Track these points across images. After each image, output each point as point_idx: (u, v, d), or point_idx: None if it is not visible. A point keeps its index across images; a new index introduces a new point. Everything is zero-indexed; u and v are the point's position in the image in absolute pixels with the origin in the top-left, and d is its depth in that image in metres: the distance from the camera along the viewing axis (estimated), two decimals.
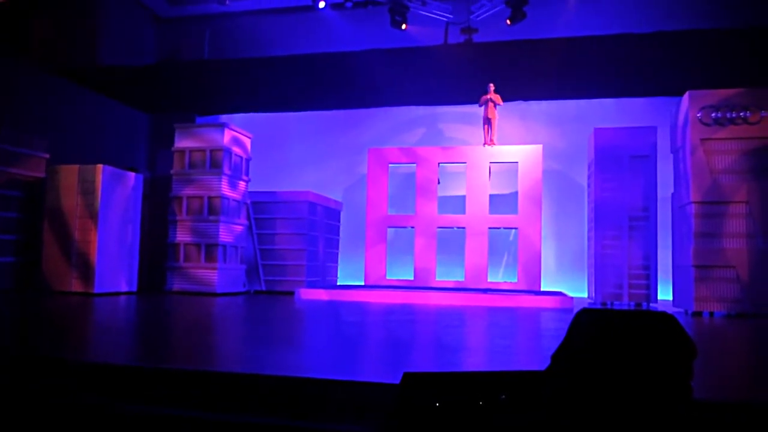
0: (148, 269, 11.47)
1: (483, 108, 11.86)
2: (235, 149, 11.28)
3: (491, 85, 11.63)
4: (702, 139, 8.96)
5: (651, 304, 10.14)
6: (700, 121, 8.99)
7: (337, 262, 13.71)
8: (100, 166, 10.14)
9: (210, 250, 10.69)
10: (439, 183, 12.22)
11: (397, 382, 2.27)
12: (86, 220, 10.05)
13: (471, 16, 11.15)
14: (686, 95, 9.21)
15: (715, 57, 10.28)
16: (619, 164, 10.41)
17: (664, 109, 10.79)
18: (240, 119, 14.16)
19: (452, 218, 12.10)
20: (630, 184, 10.35)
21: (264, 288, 11.95)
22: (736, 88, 8.98)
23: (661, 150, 10.54)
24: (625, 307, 10.08)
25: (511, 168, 12.25)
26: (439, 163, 12.24)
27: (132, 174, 10.90)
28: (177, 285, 10.74)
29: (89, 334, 5.32)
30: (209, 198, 10.80)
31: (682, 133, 9.41)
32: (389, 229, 12.49)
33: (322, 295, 10.38)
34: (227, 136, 11.03)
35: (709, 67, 10.57)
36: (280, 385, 3.17)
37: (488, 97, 11.66)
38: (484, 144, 11.87)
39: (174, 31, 12.88)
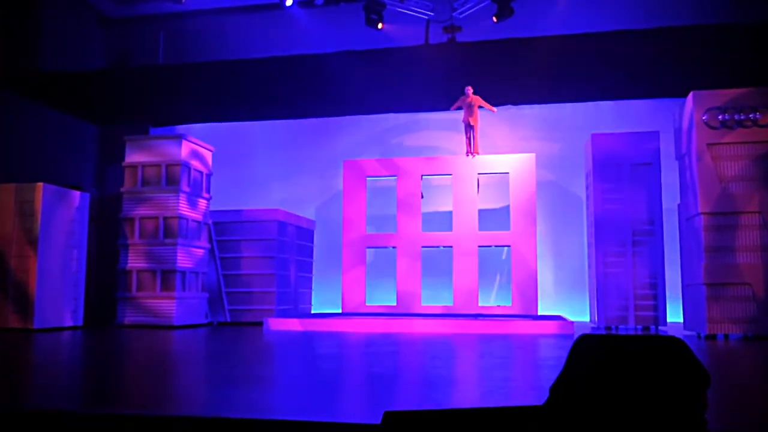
0: (96, 300, 11.30)
1: (463, 113, 11.79)
2: (195, 163, 11.22)
3: (469, 88, 11.55)
4: (709, 144, 9.11)
5: (659, 328, 10.21)
6: (706, 124, 9.15)
7: (310, 287, 13.65)
8: (40, 185, 10.02)
9: (166, 277, 10.58)
10: (422, 197, 12.25)
11: (378, 422, 2.24)
12: (24, 246, 9.90)
13: (454, 14, 11.29)
14: (690, 96, 9.37)
15: (721, 54, 10.49)
16: (619, 173, 10.55)
17: (667, 112, 10.97)
18: (200, 130, 14.11)
19: (438, 236, 12.11)
20: (632, 195, 10.47)
21: (229, 319, 11.84)
22: (745, 87, 9.16)
23: (665, 157, 10.70)
24: (631, 332, 10.15)
25: (501, 179, 12.33)
26: (422, 176, 12.28)
27: (77, 193, 10.79)
28: (129, 318, 10.59)
29: (26, 376, 5.21)
30: (165, 218, 10.71)
31: (687, 137, 9.56)
32: (368, 250, 12.47)
33: (294, 325, 10.30)
34: (185, 149, 10.97)
35: (715, 65, 10.77)
36: (249, 429, 3.12)
37: (468, 100, 11.56)
38: (467, 154, 11.91)
39: (124, 33, 12.85)
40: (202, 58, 12.06)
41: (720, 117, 9.10)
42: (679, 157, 10.09)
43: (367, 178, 12.53)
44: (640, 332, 10.08)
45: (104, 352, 7.28)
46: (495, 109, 11.62)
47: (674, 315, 11.10)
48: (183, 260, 10.74)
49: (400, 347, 7.56)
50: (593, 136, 10.81)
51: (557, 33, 10.71)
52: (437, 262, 12.39)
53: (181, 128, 14.32)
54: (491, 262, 12.46)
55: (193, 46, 12.31)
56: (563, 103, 13.04)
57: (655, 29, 10.13)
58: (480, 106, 11.62)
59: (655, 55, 10.84)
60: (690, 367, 1.89)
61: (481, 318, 10.48)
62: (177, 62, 12.26)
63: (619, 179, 10.53)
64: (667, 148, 10.80)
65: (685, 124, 9.67)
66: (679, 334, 8.79)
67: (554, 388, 2.02)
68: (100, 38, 12.67)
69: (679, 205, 10.21)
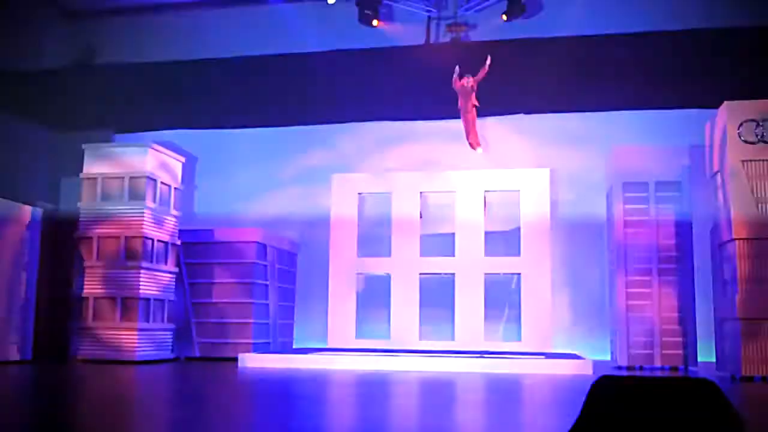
0: (47, 331, 11.19)
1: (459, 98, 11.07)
2: (162, 176, 11.18)
3: (456, 68, 10.80)
4: (743, 161, 9.13)
5: (689, 368, 10.15)
6: (741, 138, 9.18)
7: (293, 318, 13.55)
8: None
9: (128, 305, 10.49)
10: (421, 217, 12.23)
11: None
12: None
13: (459, 10, 11.34)
14: (723, 107, 9.41)
15: (759, 61, 10.55)
16: (644, 192, 10.55)
17: (698, 124, 11.00)
18: (169, 138, 14.08)
19: (438, 262, 12.05)
20: (659, 218, 10.47)
21: (198, 354, 11.74)
22: None
23: (695, 174, 10.71)
24: (657, 373, 10.10)
25: (511, 198, 12.32)
26: (421, 193, 12.26)
27: (27, 208, 10.72)
28: (85, 351, 10.48)
29: None
30: (127, 238, 10.65)
31: (719, 153, 9.59)
32: (359, 277, 12.39)
33: (273, 362, 10.22)
34: (152, 160, 10.95)
35: (752, 73, 10.82)
36: None
37: (456, 87, 10.89)
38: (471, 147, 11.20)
39: (85, 28, 12.85)
40: (174, 56, 12.07)
41: (756, 130, 9.13)
42: (712, 176, 10.11)
43: (359, 195, 12.49)
44: (666, 373, 10.02)
45: (54, 390, 7.19)
46: (484, 72, 10.83)
47: (706, 354, 11.03)
48: (147, 286, 10.66)
49: (394, 389, 7.49)
50: (615, 149, 10.82)
51: (574, 34, 10.77)
52: (437, 292, 12.31)
53: (147, 136, 14.29)
54: (499, 291, 12.40)
55: (163, 43, 12.30)
56: (581, 112, 13.06)
57: (686, 31, 10.19)
58: (473, 87, 10.85)
59: (684, 61, 10.90)
60: (723, 413, 1.86)
61: (486, 356, 10.40)
62: (144, 61, 12.25)
63: (645, 199, 10.52)
64: (698, 164, 10.81)
65: (717, 138, 9.70)
66: (712, 375, 8.73)
67: None
68: (57, 34, 12.66)
69: (711, 230, 10.20)
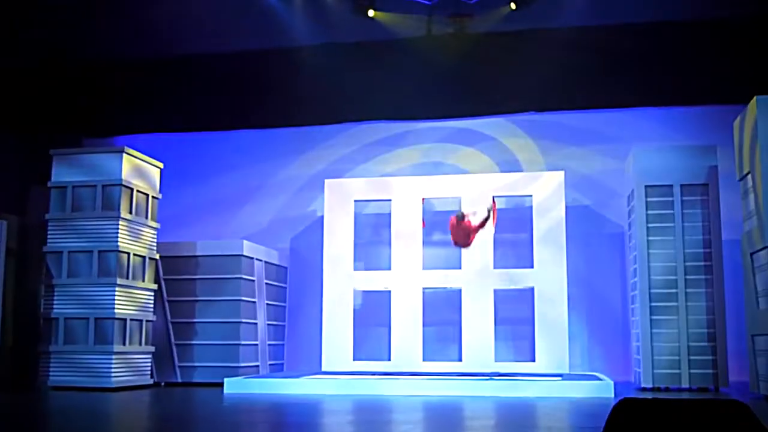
0: (12, 355, 11.17)
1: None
2: (138, 183, 11.19)
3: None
4: None
5: (720, 389, 10.15)
6: None
7: (283, 339, 13.53)
8: None
9: (102, 326, 10.47)
10: (424, 226, 12.24)
11: None
12: None
13: None
14: (754, 102, 9.44)
15: None
16: (668, 197, 10.57)
17: (727, 122, 11.05)
18: (146, 142, 14.10)
19: (443, 275, 12.06)
20: (685, 224, 10.48)
21: (180, 379, 11.73)
22: None
23: (724, 176, 10.74)
24: (684, 394, 10.10)
25: (522, 204, 12.36)
26: (423, 199, 12.27)
27: None
28: (55, 377, 10.46)
29: None
30: (101, 252, 10.64)
31: (750, 153, 9.63)
32: (356, 292, 12.39)
33: (262, 387, 10.20)
34: (127, 166, 10.95)
35: None
36: None
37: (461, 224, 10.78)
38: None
39: (54, 20, 12.87)
40: (152, 52, 12.11)
41: None
42: (742, 177, 10.14)
43: (355, 202, 12.50)
44: (695, 395, 10.03)
45: (18, 420, 7.18)
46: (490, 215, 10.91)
47: (738, 372, 11.05)
48: (123, 305, 10.65)
49: (396, 416, 7.50)
50: (635, 150, 10.84)
51: (587, 24, 10.83)
52: (442, 308, 12.32)
53: (122, 139, 14.29)
54: (510, 307, 12.41)
55: (140, 37, 12.34)
56: (599, 110, 13.10)
57: (710, 20, 10.27)
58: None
59: (711, 52, 10.96)
60: None
61: (496, 378, 10.41)
62: (120, 56, 12.28)
63: (669, 204, 10.56)
64: (727, 165, 10.85)
65: (747, 137, 9.73)
66: (744, 396, 8.75)
67: None
68: (28, 28, 12.68)
69: (742, 236, 10.23)
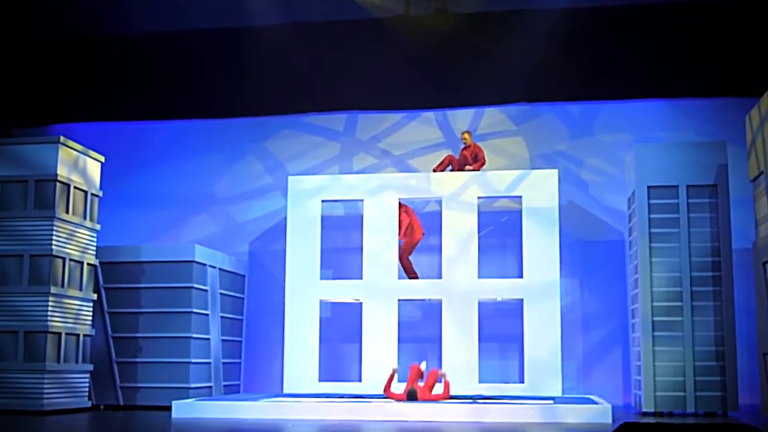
0: None
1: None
2: (76, 179, 11.07)
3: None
4: None
5: (729, 413, 10.20)
6: None
7: (240, 356, 13.49)
8: None
9: (33, 342, 10.36)
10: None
11: None
12: None
13: None
14: (766, 96, 9.49)
15: None
16: (673, 199, 10.61)
17: (738, 116, 11.13)
18: (85, 132, 13.97)
19: (421, 285, 12.04)
20: (691, 230, 10.53)
21: (121, 401, 11.66)
22: None
23: (734, 176, 10.80)
24: (689, 419, 10.14)
25: (511, 206, 12.36)
26: (399, 200, 12.24)
27: None
28: None
29: None
30: (32, 257, 10.53)
31: (764, 151, 9.68)
32: (322, 304, 12.35)
33: (215, 411, 10.12)
34: (63, 159, 10.82)
35: None
36: None
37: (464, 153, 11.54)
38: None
39: None
40: (91, 31, 11.99)
41: None
42: (754, 178, 10.20)
43: (322, 202, 12.45)
44: (701, 420, 10.07)
45: None
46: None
47: (749, 395, 11.14)
48: (57, 317, 10.53)
49: None
50: (637, 147, 10.88)
51: (586, 5, 10.85)
52: (420, 322, 12.32)
53: (57, 128, 14.17)
54: (496, 321, 12.41)
55: (80, 13, 12.21)
56: (597, 101, 13.17)
57: (720, 3, 10.32)
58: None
59: (720, 40, 11.01)
60: None
61: (480, 402, 10.40)
62: (55, 35, 12.16)
63: (674, 206, 10.59)
64: (738, 164, 10.91)
65: (759, 133, 9.79)
66: (756, 421, 8.78)
67: None
68: None
69: (754, 244, 10.29)
